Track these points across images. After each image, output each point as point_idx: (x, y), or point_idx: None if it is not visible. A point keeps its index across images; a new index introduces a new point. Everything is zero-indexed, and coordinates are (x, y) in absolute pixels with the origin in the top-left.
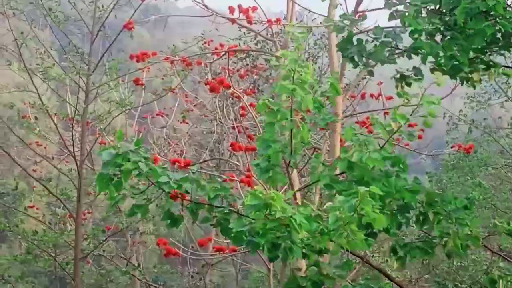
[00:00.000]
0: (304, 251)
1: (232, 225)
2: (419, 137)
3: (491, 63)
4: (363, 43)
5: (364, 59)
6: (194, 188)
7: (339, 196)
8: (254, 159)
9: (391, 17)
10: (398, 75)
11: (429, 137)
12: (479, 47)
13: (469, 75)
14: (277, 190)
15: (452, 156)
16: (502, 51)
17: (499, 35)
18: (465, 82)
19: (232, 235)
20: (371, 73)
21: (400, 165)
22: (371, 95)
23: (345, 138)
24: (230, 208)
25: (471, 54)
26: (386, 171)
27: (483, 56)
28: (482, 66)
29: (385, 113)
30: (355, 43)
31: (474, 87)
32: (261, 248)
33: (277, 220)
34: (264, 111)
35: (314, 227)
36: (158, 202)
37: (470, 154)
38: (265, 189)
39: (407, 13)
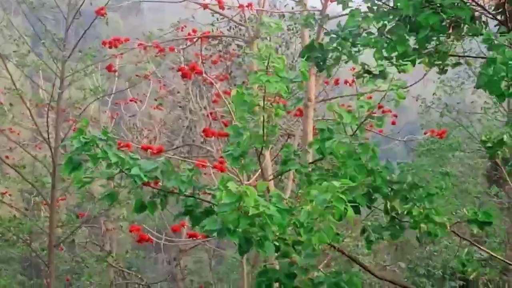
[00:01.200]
0: (276, 243)
1: (205, 222)
2: (393, 123)
3: (441, 51)
4: (324, 47)
5: (327, 63)
6: (166, 176)
7: (312, 189)
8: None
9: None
10: (361, 71)
11: (402, 122)
12: (425, 35)
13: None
14: (249, 177)
15: (424, 142)
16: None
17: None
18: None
19: (201, 227)
20: (329, 75)
21: (370, 151)
22: (345, 81)
23: (317, 126)
24: (200, 198)
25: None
26: (356, 156)
27: (429, 44)
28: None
29: (358, 99)
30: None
31: (443, 72)
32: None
33: (251, 217)
34: (236, 101)
35: (286, 221)
36: (129, 189)
37: (443, 138)
38: (238, 178)
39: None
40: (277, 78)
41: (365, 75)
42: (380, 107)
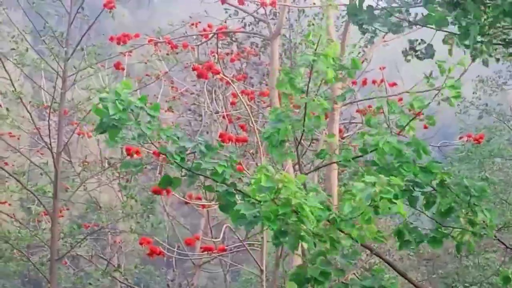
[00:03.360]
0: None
1: (240, 206)
2: (425, 127)
3: (507, 39)
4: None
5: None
6: (205, 156)
7: (356, 183)
8: (246, 151)
9: None
10: (408, 47)
11: (436, 126)
12: (494, 17)
13: (482, 47)
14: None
15: (461, 147)
16: None
17: None
18: (477, 60)
19: (232, 213)
20: (371, 41)
21: (421, 151)
22: (373, 81)
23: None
24: (237, 189)
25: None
26: (405, 155)
27: (497, 31)
28: (497, 42)
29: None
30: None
31: (486, 65)
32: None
33: (289, 205)
34: (281, 82)
35: (325, 215)
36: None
37: (480, 144)
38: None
39: None
40: (326, 61)
41: (411, 52)
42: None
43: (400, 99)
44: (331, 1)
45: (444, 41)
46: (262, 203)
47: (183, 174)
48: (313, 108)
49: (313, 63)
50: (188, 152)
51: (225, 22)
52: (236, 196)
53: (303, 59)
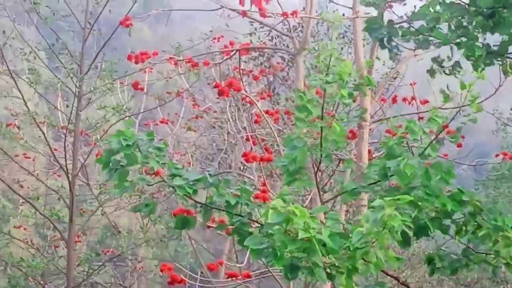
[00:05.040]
0: (329, 271)
1: (248, 241)
2: (459, 145)
3: None
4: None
5: (394, 42)
6: (216, 189)
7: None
8: (271, 172)
9: None
10: (433, 65)
11: (470, 144)
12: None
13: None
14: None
15: (496, 167)
16: None
17: None
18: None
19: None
20: (394, 57)
21: (444, 174)
22: (404, 99)
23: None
24: (250, 219)
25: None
26: (427, 174)
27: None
28: None
29: (420, 118)
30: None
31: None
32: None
33: (299, 241)
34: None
35: (339, 245)
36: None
37: None
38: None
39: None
40: (339, 80)
41: (437, 67)
42: (444, 127)
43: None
44: (356, 14)
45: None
46: (274, 235)
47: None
48: (328, 131)
49: (324, 86)
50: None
51: (251, 35)
52: (253, 226)
53: (313, 83)
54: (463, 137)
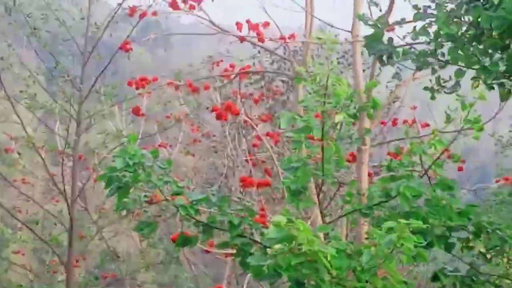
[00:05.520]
0: None
1: (251, 258)
2: (460, 169)
3: None
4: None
5: (393, 59)
6: (220, 208)
7: (376, 230)
8: (271, 196)
9: (417, 16)
10: (432, 85)
11: (470, 168)
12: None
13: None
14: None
15: (497, 192)
16: None
17: None
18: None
19: (252, 267)
20: (398, 76)
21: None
22: (404, 121)
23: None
24: (252, 239)
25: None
26: (434, 197)
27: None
28: None
29: (421, 142)
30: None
31: (503, 99)
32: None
33: (303, 254)
34: (291, 128)
35: (346, 264)
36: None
37: None
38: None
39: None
40: (336, 101)
41: (437, 87)
42: (445, 150)
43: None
44: (356, 38)
45: (473, 85)
46: (278, 254)
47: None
48: (328, 152)
49: (321, 107)
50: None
51: (254, 59)
52: (255, 247)
53: (309, 105)
54: (463, 161)
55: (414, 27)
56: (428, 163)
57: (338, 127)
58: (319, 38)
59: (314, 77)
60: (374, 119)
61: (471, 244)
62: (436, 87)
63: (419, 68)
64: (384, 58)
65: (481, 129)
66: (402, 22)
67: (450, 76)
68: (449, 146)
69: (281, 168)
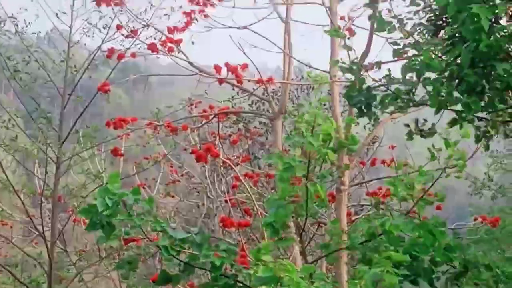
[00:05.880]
0: None
1: None
2: (438, 207)
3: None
4: (372, 91)
5: (372, 109)
6: (201, 249)
7: (361, 266)
8: (250, 236)
9: (395, 54)
10: (412, 127)
11: (449, 207)
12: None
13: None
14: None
15: (475, 230)
16: None
17: None
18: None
19: None
20: (376, 121)
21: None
22: (383, 162)
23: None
24: (236, 280)
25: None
26: (414, 239)
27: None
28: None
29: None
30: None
31: (486, 148)
32: None
33: None
34: (278, 165)
35: None
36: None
37: (496, 227)
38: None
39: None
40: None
41: (416, 130)
42: (428, 189)
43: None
44: (336, 77)
45: (450, 124)
46: None
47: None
48: (312, 191)
49: (305, 145)
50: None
51: (231, 100)
52: None
53: (292, 143)
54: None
55: (389, 69)
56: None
57: (319, 166)
58: (310, 78)
59: (302, 115)
60: (353, 155)
61: (457, 281)
62: (414, 131)
63: (397, 110)
64: (363, 107)
65: (464, 166)
66: (378, 63)
67: (425, 120)
68: (433, 184)
69: (266, 207)
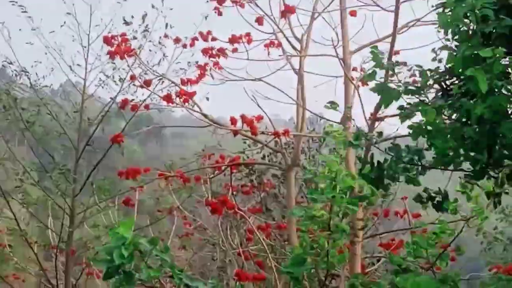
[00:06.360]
0: None
1: None
2: (452, 259)
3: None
4: (384, 163)
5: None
6: None
7: None
8: None
9: (404, 119)
10: (422, 197)
11: (463, 259)
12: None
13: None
14: None
15: (489, 281)
16: None
17: None
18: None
19: None
20: (386, 189)
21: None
22: (396, 213)
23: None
24: None
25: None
26: None
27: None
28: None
29: (412, 233)
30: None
31: (495, 205)
32: None
33: None
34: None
35: None
36: None
37: None
38: None
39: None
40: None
41: (425, 200)
42: (450, 243)
43: (424, 231)
44: (347, 130)
45: (461, 186)
46: None
47: None
48: (335, 244)
49: (331, 199)
50: None
51: (243, 152)
52: None
53: (319, 198)
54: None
55: (395, 138)
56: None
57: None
58: (328, 132)
59: (323, 172)
60: (372, 206)
61: None
62: (425, 200)
63: (408, 182)
64: (377, 181)
65: (484, 219)
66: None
67: (439, 188)
68: (456, 237)
69: (289, 260)
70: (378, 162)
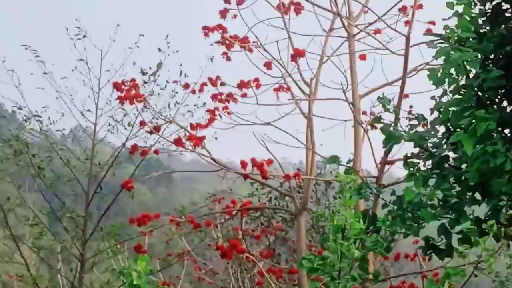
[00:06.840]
0: None
1: None
2: None
3: None
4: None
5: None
6: None
7: None
8: None
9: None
10: (424, 245)
11: None
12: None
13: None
14: None
15: None
16: None
17: None
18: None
19: None
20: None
21: None
22: (406, 256)
23: None
24: None
25: None
26: None
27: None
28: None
29: (423, 277)
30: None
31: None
32: None
33: None
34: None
35: None
36: None
37: None
38: None
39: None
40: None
41: (430, 251)
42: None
43: (436, 274)
44: (356, 174)
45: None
46: None
47: None
48: None
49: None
50: None
51: (253, 195)
52: None
53: (328, 246)
54: None
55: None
56: None
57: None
58: (338, 179)
59: (334, 220)
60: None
61: None
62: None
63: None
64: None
65: (494, 262)
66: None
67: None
68: (468, 279)
69: None
70: (388, 211)
